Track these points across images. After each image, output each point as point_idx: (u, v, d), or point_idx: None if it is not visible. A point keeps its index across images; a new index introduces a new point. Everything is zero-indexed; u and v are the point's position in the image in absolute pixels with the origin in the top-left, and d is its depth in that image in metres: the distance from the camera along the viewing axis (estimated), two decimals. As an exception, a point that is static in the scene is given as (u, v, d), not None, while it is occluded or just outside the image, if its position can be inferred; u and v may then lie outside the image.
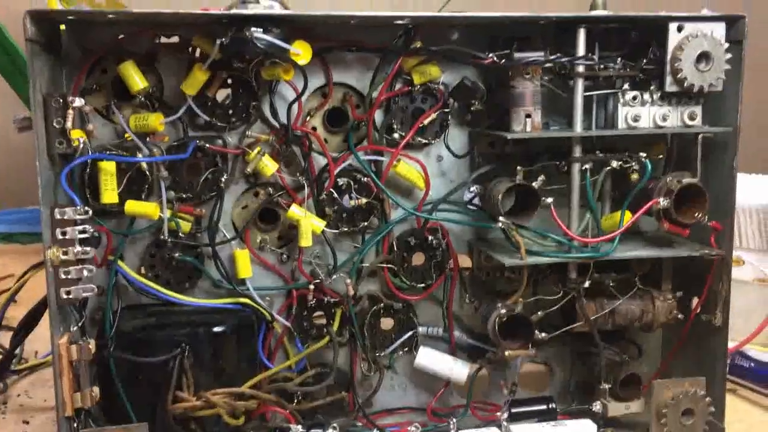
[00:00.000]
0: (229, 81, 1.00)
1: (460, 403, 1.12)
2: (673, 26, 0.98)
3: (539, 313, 1.04)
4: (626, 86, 1.00)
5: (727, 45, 0.98)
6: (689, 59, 0.97)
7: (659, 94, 1.00)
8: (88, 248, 0.90)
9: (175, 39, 0.99)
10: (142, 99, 0.98)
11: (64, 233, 0.89)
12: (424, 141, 1.06)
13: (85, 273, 0.90)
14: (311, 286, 1.05)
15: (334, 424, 1.02)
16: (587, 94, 1.00)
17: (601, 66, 1.00)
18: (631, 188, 1.01)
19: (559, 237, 1.02)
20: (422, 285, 1.09)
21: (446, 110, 1.05)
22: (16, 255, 1.92)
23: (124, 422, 0.95)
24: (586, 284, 1.03)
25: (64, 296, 0.89)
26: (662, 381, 1.04)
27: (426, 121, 1.04)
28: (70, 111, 0.89)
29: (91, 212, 0.90)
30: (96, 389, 0.93)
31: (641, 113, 1.00)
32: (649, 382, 1.06)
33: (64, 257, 0.89)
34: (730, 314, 1.05)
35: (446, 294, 1.09)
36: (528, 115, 0.98)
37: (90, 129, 0.95)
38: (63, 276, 0.89)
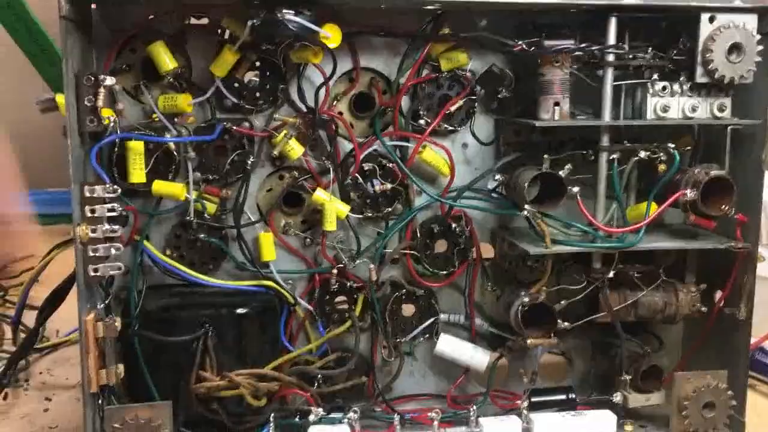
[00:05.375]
0: (258, 63, 1.00)
1: (478, 390, 1.12)
2: (705, 17, 0.97)
3: (562, 302, 1.04)
4: (656, 76, 1.00)
5: (759, 37, 0.98)
6: (720, 50, 0.97)
7: (689, 85, 1.00)
8: (116, 227, 0.91)
9: (204, 20, 0.99)
10: (171, 80, 0.98)
11: (93, 211, 0.89)
12: (450, 128, 1.06)
13: (113, 251, 0.91)
14: (334, 271, 1.05)
15: (354, 409, 1.03)
16: (616, 83, 1.00)
17: (631, 56, 0.99)
18: (658, 179, 1.00)
19: (584, 226, 1.01)
20: (444, 272, 1.09)
21: (473, 97, 1.05)
22: (36, 236, 1.93)
23: (147, 401, 0.96)
24: (610, 275, 1.03)
25: (92, 273, 0.90)
26: (684, 373, 1.03)
27: (452, 108, 1.04)
28: (102, 89, 0.90)
29: (119, 191, 0.91)
30: (121, 367, 0.94)
31: (670, 104, 1.00)
32: (669, 375, 1.06)
33: (92, 235, 0.89)
34: (751, 310, 1.05)
35: (468, 282, 1.10)
36: (556, 104, 0.98)
37: (120, 108, 0.95)
38: (91, 253, 0.90)
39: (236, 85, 1.00)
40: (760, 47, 0.98)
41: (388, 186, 1.04)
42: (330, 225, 1.02)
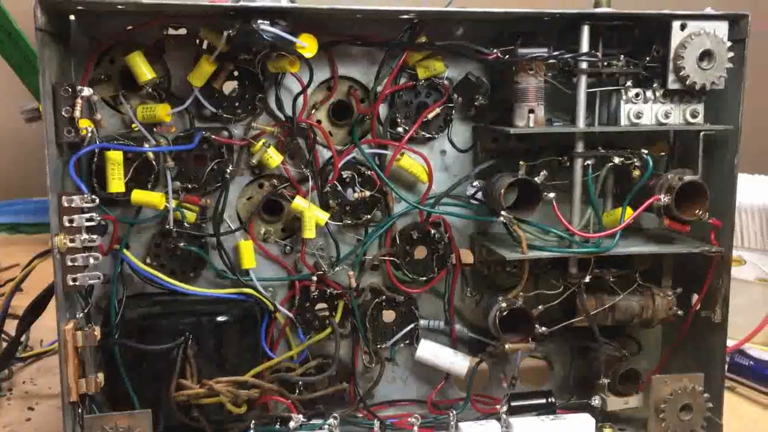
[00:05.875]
0: (236, 73, 1.01)
1: (460, 396, 1.13)
2: (676, 24, 0.98)
3: (540, 307, 1.05)
4: (629, 83, 1.01)
5: (729, 44, 0.99)
6: (692, 57, 0.98)
7: (662, 92, 1.01)
8: (94, 236, 0.91)
9: (182, 30, 1.00)
10: (150, 90, 0.99)
11: (71, 221, 0.90)
12: (427, 135, 1.07)
13: (91, 260, 0.91)
14: (314, 278, 1.06)
15: (335, 415, 1.03)
16: (590, 90, 1.01)
17: (605, 63, 1.01)
18: (633, 185, 1.01)
19: (561, 232, 1.02)
20: (424, 278, 1.10)
21: (450, 105, 1.06)
22: (21, 245, 1.93)
23: (128, 409, 0.96)
24: (587, 279, 1.04)
25: (71, 283, 0.90)
26: (661, 376, 1.04)
27: (430, 116, 1.05)
28: (79, 100, 0.90)
29: (97, 200, 0.91)
30: (100, 375, 0.94)
31: (644, 110, 1.01)
32: (647, 378, 1.07)
33: (70, 244, 0.90)
34: (731, 313, 1.05)
35: (448, 287, 1.10)
36: (531, 111, 0.99)
37: (98, 118, 0.96)
38: (69, 263, 0.90)
39: (215, 94, 1.01)
40: (731, 54, 0.99)
41: (367, 194, 1.05)
42: (309, 233, 1.02)
